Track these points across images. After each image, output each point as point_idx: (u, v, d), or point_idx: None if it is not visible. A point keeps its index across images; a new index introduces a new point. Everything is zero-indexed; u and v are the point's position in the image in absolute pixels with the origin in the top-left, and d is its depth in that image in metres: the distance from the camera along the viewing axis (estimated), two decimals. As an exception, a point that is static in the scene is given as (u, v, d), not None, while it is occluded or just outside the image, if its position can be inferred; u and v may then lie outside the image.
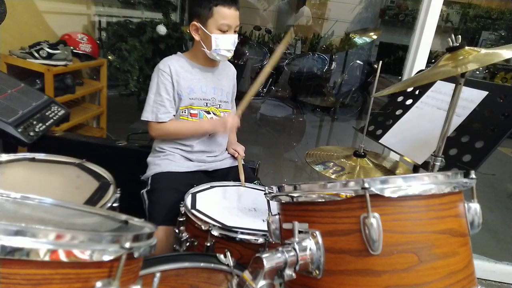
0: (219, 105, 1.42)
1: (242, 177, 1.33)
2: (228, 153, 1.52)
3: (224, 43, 1.29)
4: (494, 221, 2.65)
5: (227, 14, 1.26)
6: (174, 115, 1.36)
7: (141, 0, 2.85)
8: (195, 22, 1.31)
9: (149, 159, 1.41)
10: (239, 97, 1.60)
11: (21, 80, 1.43)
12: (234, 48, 1.33)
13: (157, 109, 1.31)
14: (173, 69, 1.32)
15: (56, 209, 0.61)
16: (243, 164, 1.51)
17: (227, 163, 1.47)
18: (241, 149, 1.50)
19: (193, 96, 1.35)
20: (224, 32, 1.28)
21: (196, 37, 1.33)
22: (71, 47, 2.15)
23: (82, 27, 2.64)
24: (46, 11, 2.25)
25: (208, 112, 1.39)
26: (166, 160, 1.36)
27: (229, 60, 1.46)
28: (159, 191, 1.27)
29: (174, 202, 1.20)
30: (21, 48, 1.99)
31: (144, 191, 1.31)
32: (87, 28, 2.70)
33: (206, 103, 1.38)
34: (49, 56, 1.97)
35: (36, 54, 1.94)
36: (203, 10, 1.27)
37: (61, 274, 0.41)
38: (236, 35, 1.32)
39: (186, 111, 1.36)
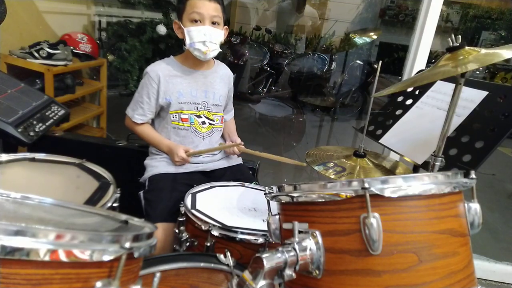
0: (211, 108, 1.40)
1: (255, 152, 1.36)
2: (230, 141, 1.51)
3: (196, 35, 1.24)
4: (494, 221, 2.65)
5: (197, 4, 1.23)
6: (152, 119, 1.39)
7: (141, 0, 2.84)
8: (176, 20, 1.32)
9: (146, 161, 1.42)
10: (238, 97, 1.60)
11: (21, 80, 1.43)
12: (211, 41, 1.25)
13: (136, 108, 1.36)
14: (162, 74, 1.32)
15: (56, 209, 0.61)
16: (242, 163, 1.52)
17: (224, 163, 1.46)
18: (238, 141, 1.46)
19: (182, 100, 1.34)
20: (195, 22, 1.24)
21: (179, 35, 1.32)
22: (71, 47, 2.15)
23: (82, 27, 2.64)
24: (46, 11, 2.25)
25: (199, 116, 1.38)
26: (163, 162, 1.36)
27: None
28: (156, 191, 1.27)
29: (171, 199, 1.20)
30: (21, 48, 1.99)
31: (141, 192, 1.31)
32: (87, 28, 2.70)
33: (197, 107, 1.37)
34: (49, 56, 1.97)
35: (36, 54, 1.94)
36: (179, 5, 1.29)
37: (61, 274, 0.41)
38: (214, 28, 1.25)
39: (177, 116, 1.35)
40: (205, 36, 1.25)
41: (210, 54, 1.29)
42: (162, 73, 1.32)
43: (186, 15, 1.26)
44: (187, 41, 1.27)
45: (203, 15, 1.24)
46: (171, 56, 1.40)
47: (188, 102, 1.35)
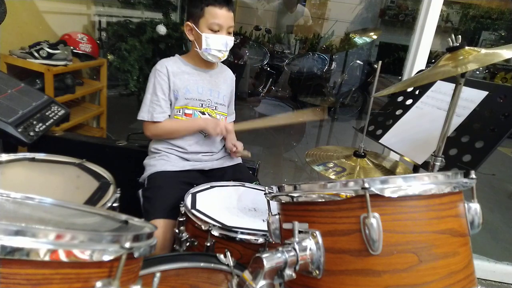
0: (215, 106, 1.42)
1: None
2: (226, 149, 1.50)
3: (214, 43, 1.29)
4: (494, 221, 2.65)
5: (218, 14, 1.27)
6: (169, 115, 1.37)
7: (141, 0, 2.84)
8: (188, 22, 1.34)
9: (145, 161, 1.42)
10: (239, 97, 1.60)
11: (21, 80, 1.43)
12: (226, 50, 1.32)
13: (153, 108, 1.33)
14: (170, 69, 1.34)
15: (56, 209, 0.61)
16: (241, 163, 1.52)
17: (224, 162, 1.47)
18: (239, 144, 1.46)
19: (189, 96, 1.36)
20: (215, 32, 1.29)
21: (190, 37, 1.35)
22: (71, 47, 2.15)
23: (82, 27, 2.64)
24: (46, 11, 2.24)
25: (203, 113, 1.40)
26: (161, 160, 1.37)
27: (229, 60, 1.46)
28: (155, 189, 1.28)
29: (170, 196, 1.20)
30: (21, 48, 1.99)
31: (140, 190, 1.32)
32: (87, 28, 2.70)
33: (202, 104, 1.39)
34: (49, 56, 1.97)
35: (36, 54, 1.94)
36: (196, 9, 1.29)
37: (61, 274, 0.41)
38: (230, 37, 1.32)
39: (181, 111, 1.37)
40: (223, 45, 1.31)
41: (222, 59, 1.36)
42: (170, 68, 1.35)
43: (205, 22, 1.28)
44: (203, 46, 1.30)
45: (222, 26, 1.29)
46: (177, 55, 1.42)
47: (194, 98, 1.37)
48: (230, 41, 1.32)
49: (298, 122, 1.39)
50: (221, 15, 1.28)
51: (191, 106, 1.37)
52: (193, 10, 1.31)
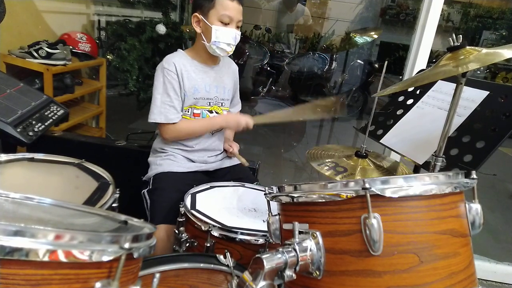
0: (222, 103, 1.41)
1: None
2: (223, 149, 1.51)
3: (224, 36, 1.27)
4: (495, 221, 2.65)
5: (229, 6, 1.25)
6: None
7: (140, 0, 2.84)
8: (197, 14, 1.30)
9: (151, 159, 1.41)
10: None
11: (20, 79, 1.43)
12: (234, 44, 1.30)
13: (166, 110, 1.29)
14: (178, 67, 1.30)
15: (55, 209, 0.61)
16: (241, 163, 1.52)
17: (227, 162, 1.47)
18: (235, 146, 1.49)
19: (197, 95, 1.34)
20: (225, 24, 1.26)
21: (197, 29, 1.31)
22: (70, 47, 2.15)
23: (81, 27, 2.64)
24: (45, 10, 2.24)
25: (211, 112, 1.39)
26: (167, 160, 1.36)
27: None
28: (160, 190, 1.26)
29: (175, 201, 1.19)
30: (20, 47, 1.98)
31: (145, 190, 1.30)
32: (86, 27, 2.69)
33: (209, 103, 1.38)
34: (48, 56, 1.96)
35: (35, 54, 1.94)
36: (206, 1, 1.27)
37: (60, 275, 0.40)
38: (239, 31, 1.30)
39: (190, 111, 1.35)
40: (232, 39, 1.28)
41: (229, 54, 1.34)
42: (178, 66, 1.31)
43: (216, 13, 1.26)
44: (212, 39, 1.27)
45: (232, 19, 1.27)
46: (180, 50, 1.39)
47: (203, 97, 1.36)
48: (238, 35, 1.30)
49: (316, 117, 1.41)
50: (232, 7, 1.26)
51: (200, 105, 1.36)
52: (202, 1, 1.28)
